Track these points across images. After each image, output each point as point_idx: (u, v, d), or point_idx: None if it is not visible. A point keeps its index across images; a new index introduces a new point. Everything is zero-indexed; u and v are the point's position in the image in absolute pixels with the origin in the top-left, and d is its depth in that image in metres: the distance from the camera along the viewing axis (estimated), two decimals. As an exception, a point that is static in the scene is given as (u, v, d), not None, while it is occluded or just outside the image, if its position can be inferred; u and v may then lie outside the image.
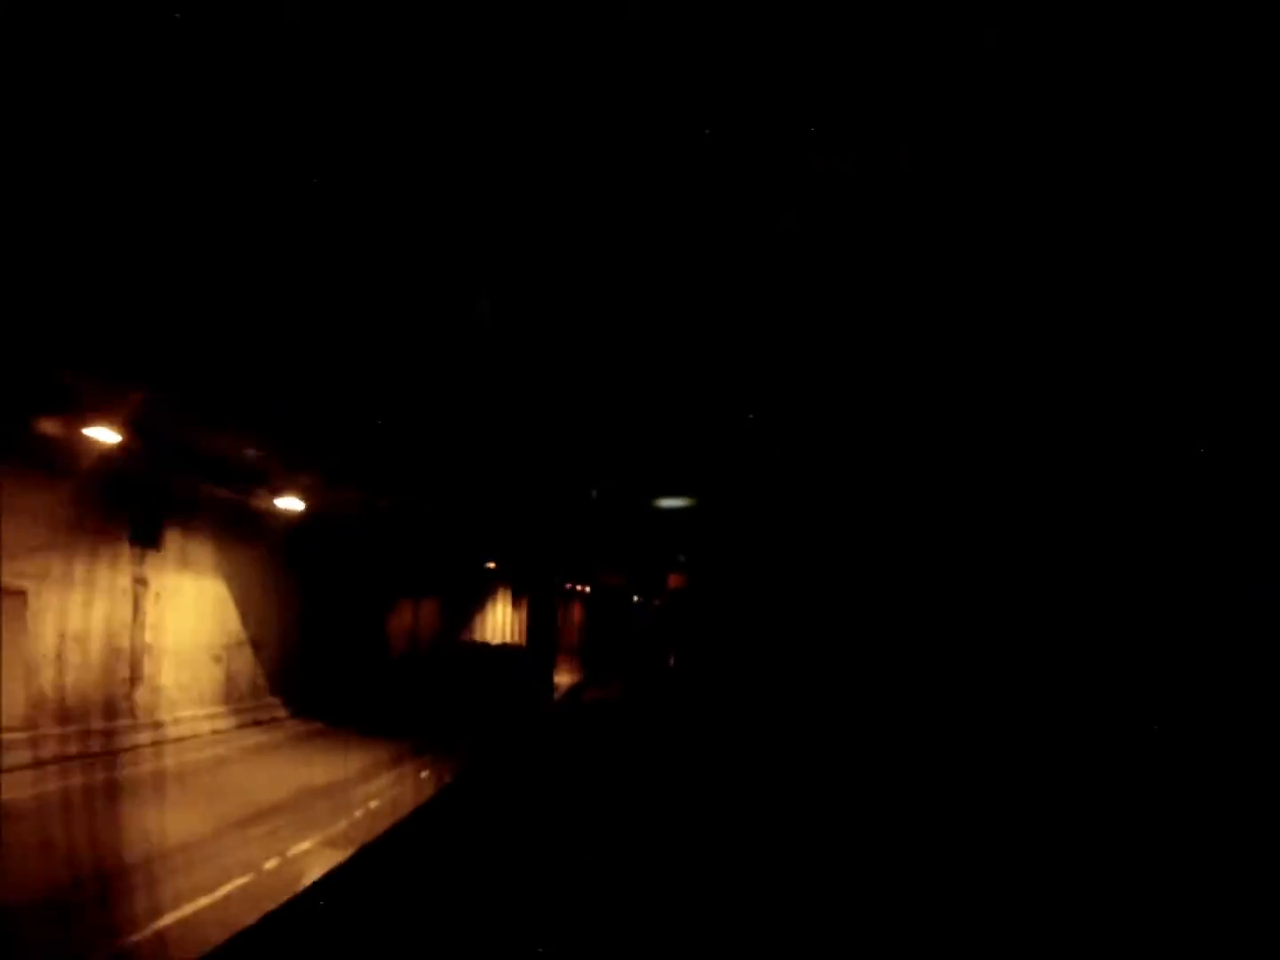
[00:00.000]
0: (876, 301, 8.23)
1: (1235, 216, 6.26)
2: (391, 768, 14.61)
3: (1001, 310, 8.29)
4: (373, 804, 11.99)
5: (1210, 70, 4.90)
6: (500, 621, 31.72)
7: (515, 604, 33.70)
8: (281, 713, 18.87)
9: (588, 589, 44.03)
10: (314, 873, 8.79)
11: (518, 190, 6.46)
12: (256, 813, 11.10)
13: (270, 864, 9.12)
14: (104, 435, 11.59)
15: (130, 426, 11.74)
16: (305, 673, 20.00)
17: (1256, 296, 7.09)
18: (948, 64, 4.99)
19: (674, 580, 36.60)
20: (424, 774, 14.13)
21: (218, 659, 17.26)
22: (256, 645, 18.44)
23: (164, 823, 10.23)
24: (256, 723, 17.86)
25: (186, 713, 16.02)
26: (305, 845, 9.84)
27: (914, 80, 5.16)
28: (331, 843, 10.00)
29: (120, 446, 12.13)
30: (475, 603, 29.61)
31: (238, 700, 17.77)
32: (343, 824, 10.75)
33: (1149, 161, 5.77)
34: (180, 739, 15.22)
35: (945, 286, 7.84)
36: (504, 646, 28.74)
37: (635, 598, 46.82)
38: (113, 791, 11.53)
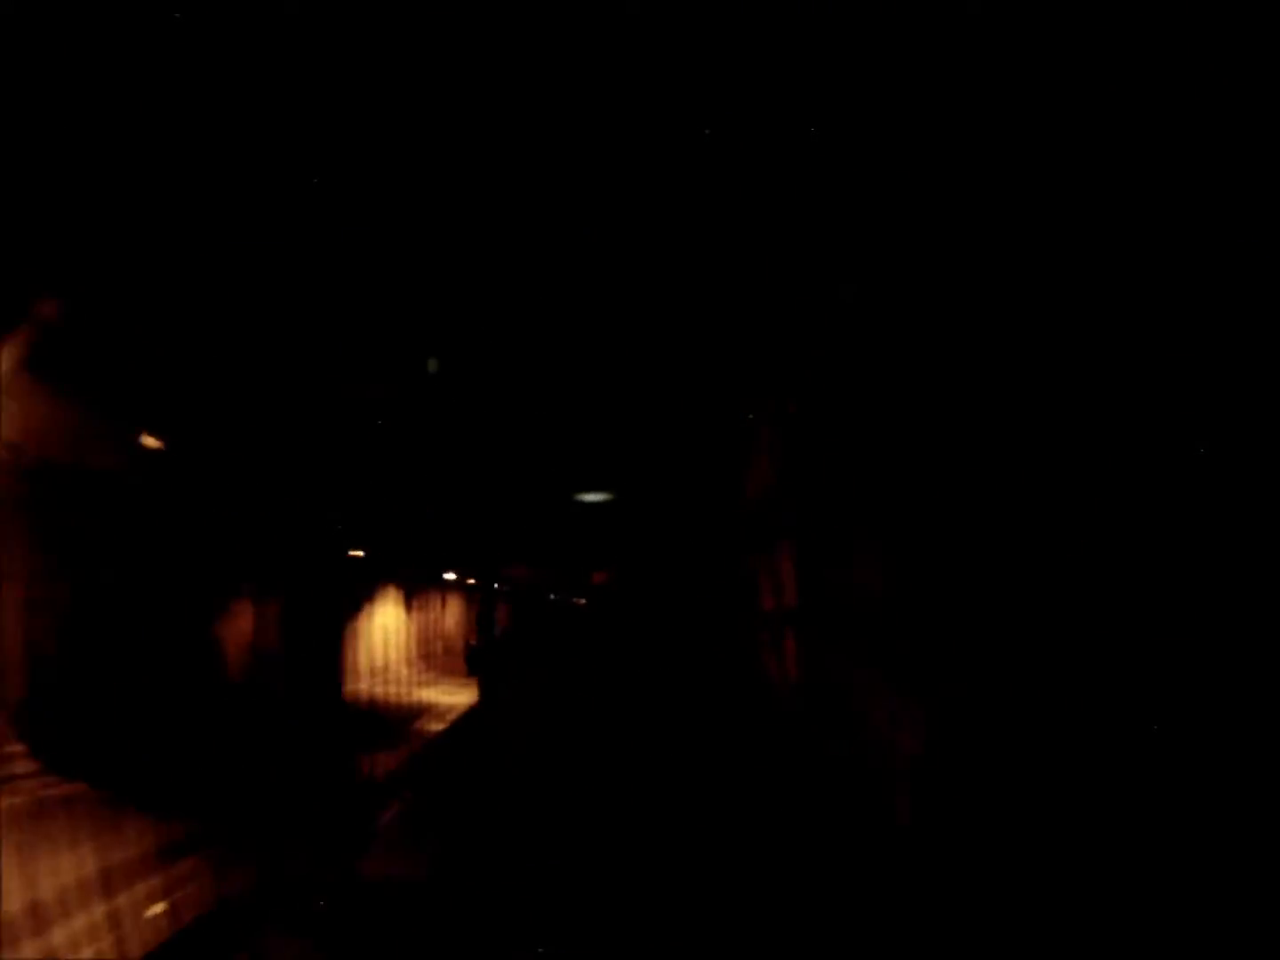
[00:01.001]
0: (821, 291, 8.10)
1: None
2: (123, 886, 8.99)
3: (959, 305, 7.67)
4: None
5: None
6: (387, 627, 26.07)
7: (408, 607, 28.09)
8: (20, 768, 12.93)
9: (496, 585, 38.59)
10: None
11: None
12: None
13: None
14: None
15: None
16: (71, 707, 14.05)
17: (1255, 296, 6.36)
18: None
19: (599, 577, 33.53)
20: (158, 910, 8.48)
21: (-97, 692, 11.40)
22: (-23, 669, 12.52)
23: None
24: (-28, 785, 12.02)
25: None
26: None
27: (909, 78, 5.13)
28: None
29: None
30: (351, 604, 23.95)
31: (-58, 752, 11.89)
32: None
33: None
34: None
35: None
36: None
37: (553, 595, 41.88)
38: None
